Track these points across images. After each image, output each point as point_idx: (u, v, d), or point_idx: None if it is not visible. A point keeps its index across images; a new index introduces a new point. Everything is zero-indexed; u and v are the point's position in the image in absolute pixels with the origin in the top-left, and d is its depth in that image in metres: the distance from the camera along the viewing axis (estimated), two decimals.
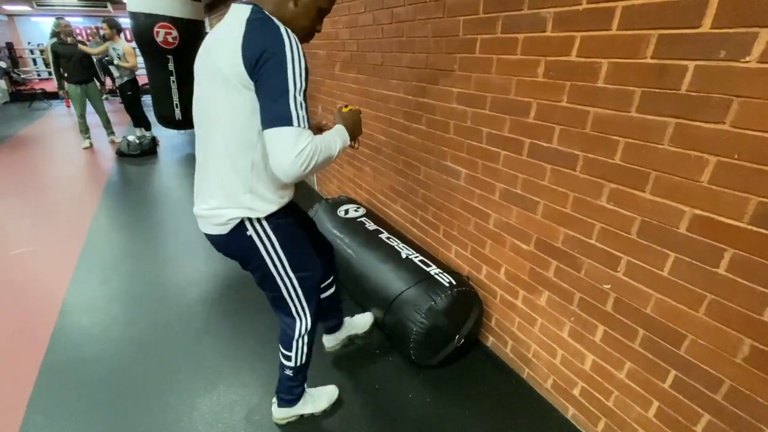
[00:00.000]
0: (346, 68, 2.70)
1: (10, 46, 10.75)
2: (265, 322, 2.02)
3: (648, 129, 1.05)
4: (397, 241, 2.05)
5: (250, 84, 0.93)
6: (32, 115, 8.25)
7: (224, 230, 1.11)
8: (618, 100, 1.10)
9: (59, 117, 8.01)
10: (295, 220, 1.25)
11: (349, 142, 1.13)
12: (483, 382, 1.72)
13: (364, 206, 2.54)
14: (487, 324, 1.88)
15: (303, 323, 1.32)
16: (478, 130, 1.64)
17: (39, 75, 12.02)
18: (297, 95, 0.91)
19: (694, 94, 0.94)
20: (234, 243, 1.15)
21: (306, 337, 1.34)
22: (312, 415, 1.53)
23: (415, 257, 1.89)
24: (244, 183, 1.06)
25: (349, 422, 1.54)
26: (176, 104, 5.08)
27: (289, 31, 0.94)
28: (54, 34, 5.02)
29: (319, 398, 1.54)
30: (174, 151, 5.47)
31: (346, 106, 1.21)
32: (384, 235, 2.11)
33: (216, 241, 1.17)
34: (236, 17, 0.97)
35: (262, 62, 0.90)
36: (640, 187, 1.11)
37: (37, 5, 9.50)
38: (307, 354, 1.37)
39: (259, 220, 1.12)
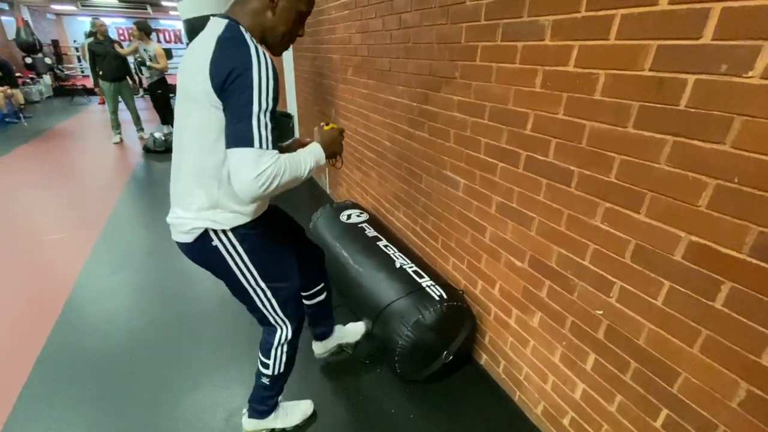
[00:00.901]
0: (357, 73, 2.69)
1: (55, 43, 11.44)
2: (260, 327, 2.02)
3: (645, 146, 0.98)
4: (394, 249, 2.01)
5: (218, 104, 0.93)
6: (72, 110, 8.74)
7: (189, 239, 1.10)
8: (615, 114, 1.03)
9: (96, 112, 8.44)
10: (267, 229, 1.21)
11: (324, 161, 1.11)
12: (472, 402, 1.65)
13: (368, 212, 2.52)
14: (481, 341, 1.81)
15: (283, 332, 1.29)
16: (476, 140, 1.58)
17: (83, 72, 12.71)
18: (261, 116, 0.90)
19: (693, 110, 0.87)
20: (200, 253, 1.14)
21: (286, 347, 1.31)
22: (283, 429, 1.47)
23: (410, 267, 1.84)
24: (209, 199, 1.05)
25: (322, 426, 1.50)
26: None
27: (261, 50, 0.93)
28: (91, 33, 5.28)
29: (292, 412, 1.49)
30: None
31: (327, 124, 1.19)
32: (382, 243, 2.08)
33: (184, 249, 1.16)
34: (210, 34, 0.96)
35: (229, 82, 0.89)
36: (635, 208, 1.03)
37: (82, 5, 10.08)
38: (286, 364, 1.34)
39: (224, 231, 1.10)
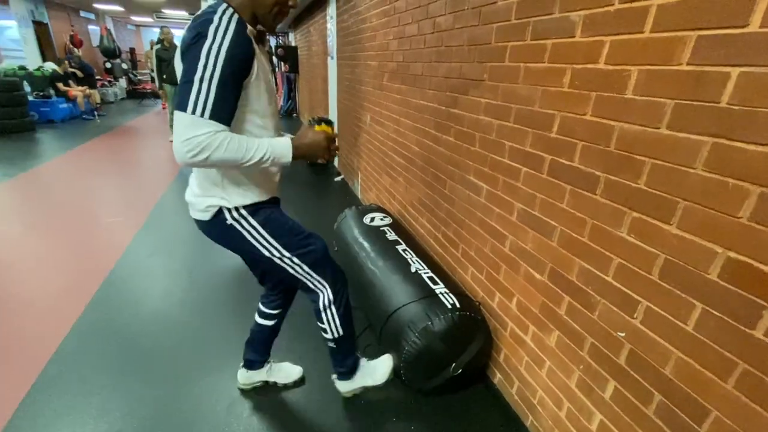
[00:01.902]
0: (392, 79, 2.70)
1: (132, 50, 12.65)
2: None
3: (679, 149, 0.87)
4: (412, 254, 1.96)
5: None
6: (141, 110, 9.56)
7: (206, 216, 1.13)
8: (647, 114, 0.94)
9: (160, 114, 9.16)
10: (277, 207, 1.23)
11: (288, 159, 1.05)
12: (480, 422, 1.54)
13: (392, 216, 2.49)
14: (495, 358, 1.69)
15: (325, 295, 1.29)
16: (501, 143, 1.52)
17: (153, 79, 13.92)
18: (204, 84, 0.88)
19: (736, 107, 0.76)
20: (218, 231, 1.16)
21: (333, 307, 1.31)
22: (374, 386, 1.51)
23: (425, 273, 1.78)
24: (216, 174, 1.08)
25: (319, 429, 1.47)
26: None
27: (225, 24, 0.91)
28: (159, 41, 5.76)
29: (375, 370, 1.52)
30: None
31: (319, 124, 1.16)
32: (401, 247, 2.04)
33: (203, 228, 1.19)
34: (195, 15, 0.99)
35: (186, 51, 0.92)
36: (665, 219, 0.92)
37: (157, 17, 11.11)
38: (341, 323, 1.34)
39: (237, 209, 1.12)
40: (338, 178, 4.71)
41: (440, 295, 1.61)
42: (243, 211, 1.13)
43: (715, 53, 0.79)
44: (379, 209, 2.58)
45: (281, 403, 1.58)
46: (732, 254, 0.79)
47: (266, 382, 1.64)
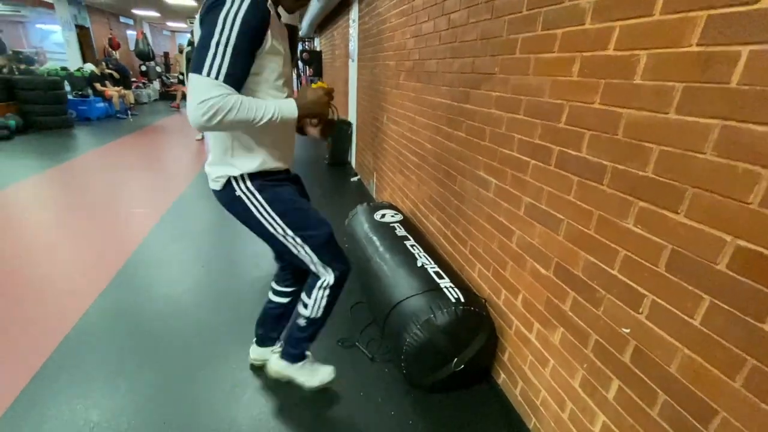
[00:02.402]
0: (408, 77, 2.71)
1: (166, 54, 13.21)
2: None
3: (687, 133, 0.83)
4: (420, 249, 1.94)
5: None
6: (171, 111, 9.93)
7: (217, 186, 1.18)
8: (655, 99, 0.90)
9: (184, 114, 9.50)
10: (286, 184, 1.24)
11: (294, 115, 1.06)
12: (481, 422, 1.50)
13: (403, 214, 2.49)
14: (500, 358, 1.65)
15: (326, 278, 1.29)
16: (510, 136, 1.49)
17: (183, 82, 14.48)
18: (219, 48, 0.92)
19: (746, 87, 0.72)
20: (228, 202, 1.20)
21: (327, 291, 1.30)
22: (301, 385, 1.49)
23: (431, 268, 1.76)
24: (224, 141, 1.12)
25: (318, 420, 1.46)
26: None
27: None
28: (189, 43, 6.00)
29: (315, 373, 1.50)
30: None
31: (315, 82, 1.18)
32: (409, 243, 2.03)
33: (217, 197, 1.23)
34: None
35: (204, 17, 0.96)
36: (673, 208, 0.88)
37: (190, 23, 11.60)
38: (324, 308, 1.33)
39: (243, 179, 1.15)
40: (354, 179, 4.74)
41: (445, 289, 1.59)
42: (250, 185, 1.15)
43: (725, 32, 0.75)
44: (391, 206, 2.58)
45: (280, 390, 1.59)
46: (742, 243, 0.75)
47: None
